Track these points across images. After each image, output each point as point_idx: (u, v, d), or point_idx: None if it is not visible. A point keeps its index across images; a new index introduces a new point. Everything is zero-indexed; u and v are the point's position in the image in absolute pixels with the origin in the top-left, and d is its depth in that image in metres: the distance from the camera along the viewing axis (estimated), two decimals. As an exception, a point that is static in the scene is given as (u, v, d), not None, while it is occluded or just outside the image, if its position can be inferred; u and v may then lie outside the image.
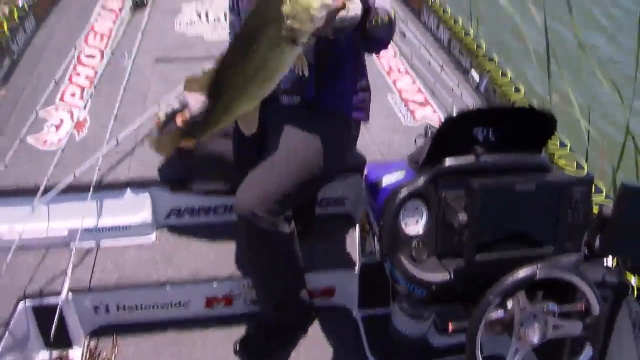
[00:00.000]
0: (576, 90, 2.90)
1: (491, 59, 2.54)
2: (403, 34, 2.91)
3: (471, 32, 2.74)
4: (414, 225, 1.47)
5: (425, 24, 3.07)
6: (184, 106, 1.77)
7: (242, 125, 1.35)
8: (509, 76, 2.41)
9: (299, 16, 1.08)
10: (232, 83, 1.23)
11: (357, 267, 1.96)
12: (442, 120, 1.54)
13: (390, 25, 1.47)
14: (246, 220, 1.55)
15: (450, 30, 2.81)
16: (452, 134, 1.46)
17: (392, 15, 1.48)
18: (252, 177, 1.61)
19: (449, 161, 1.45)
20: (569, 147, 2.03)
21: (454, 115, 1.65)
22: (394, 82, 2.57)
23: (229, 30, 1.91)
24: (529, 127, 1.50)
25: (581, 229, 1.44)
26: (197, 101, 1.77)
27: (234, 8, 1.80)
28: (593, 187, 1.50)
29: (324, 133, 1.67)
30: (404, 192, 1.45)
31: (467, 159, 1.45)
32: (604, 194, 1.81)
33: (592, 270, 1.50)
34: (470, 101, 2.44)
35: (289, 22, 1.09)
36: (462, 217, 1.38)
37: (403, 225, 1.46)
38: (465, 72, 2.67)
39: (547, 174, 1.44)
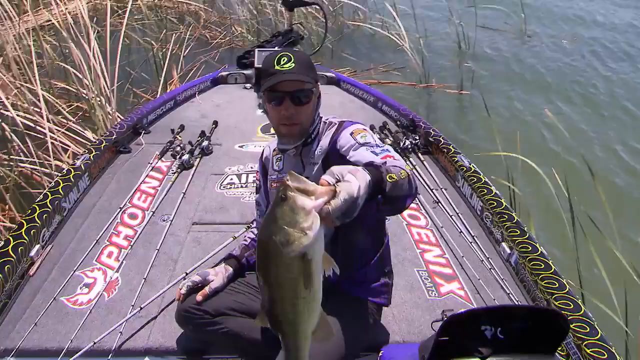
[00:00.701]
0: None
1: (522, 231, 2.50)
2: (436, 202, 2.94)
3: (502, 201, 2.73)
4: None
5: (459, 191, 3.10)
6: (205, 281, 1.86)
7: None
8: (540, 250, 2.36)
9: (292, 237, 1.08)
10: (284, 317, 1.20)
11: None
12: (446, 318, 1.49)
13: (408, 179, 1.43)
14: None
15: (482, 199, 2.81)
16: (458, 333, 1.43)
17: (407, 170, 1.46)
18: None
19: None
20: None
21: (459, 313, 1.60)
22: (422, 254, 2.56)
23: (255, 209, 2.07)
24: (540, 328, 1.44)
25: None
26: (218, 277, 1.86)
27: (260, 188, 2.00)
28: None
29: (345, 318, 1.71)
30: None
31: None
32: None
33: None
34: (499, 276, 2.38)
35: (286, 248, 1.09)
36: None
37: None
38: (498, 243, 2.63)
39: None
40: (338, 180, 1.18)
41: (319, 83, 1.79)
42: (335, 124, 1.79)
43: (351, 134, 1.70)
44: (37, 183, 3.88)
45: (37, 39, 5.18)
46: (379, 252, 1.85)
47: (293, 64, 1.66)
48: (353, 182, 1.19)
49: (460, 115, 5.76)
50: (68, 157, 4.14)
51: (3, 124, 4.10)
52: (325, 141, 1.77)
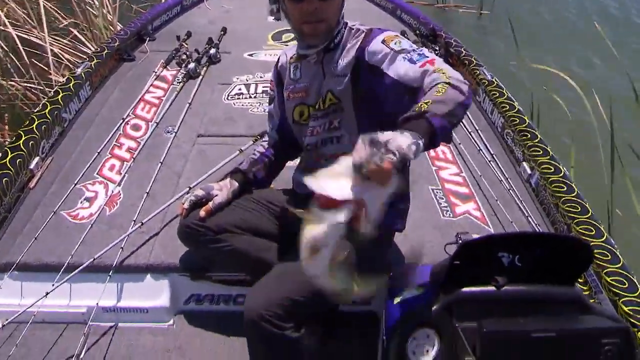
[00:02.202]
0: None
1: (545, 151, 2.35)
2: None
3: (526, 118, 2.57)
4: (424, 355, 1.35)
5: (480, 106, 2.93)
6: (209, 195, 1.76)
7: None
8: (563, 172, 2.22)
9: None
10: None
11: None
12: (462, 243, 1.40)
13: (454, 88, 1.28)
14: (251, 322, 1.50)
15: (504, 115, 2.65)
16: (473, 258, 1.34)
17: (448, 75, 1.31)
18: (263, 282, 1.58)
19: (465, 290, 1.32)
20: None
21: (475, 239, 1.50)
22: (437, 171, 2.45)
23: (268, 121, 1.93)
24: (561, 257, 1.34)
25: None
26: (222, 192, 1.76)
27: (274, 99, 1.85)
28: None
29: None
30: (413, 322, 1.34)
31: (487, 289, 1.32)
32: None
33: None
34: (517, 197, 2.26)
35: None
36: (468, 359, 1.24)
37: (411, 354, 1.35)
38: (518, 162, 2.50)
39: (572, 319, 1.27)
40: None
41: None
42: (363, 31, 1.61)
43: (383, 41, 1.52)
44: (36, 103, 3.76)
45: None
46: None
47: None
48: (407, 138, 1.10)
49: (481, 35, 5.46)
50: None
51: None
52: (351, 51, 1.59)
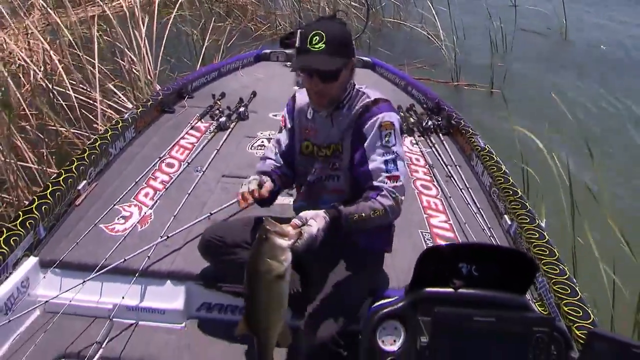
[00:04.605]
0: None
1: (523, 205, 2.67)
2: (449, 177, 3.13)
3: (510, 178, 2.90)
4: (391, 344, 1.61)
5: (473, 169, 3.28)
6: (261, 183, 1.93)
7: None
8: (537, 222, 2.53)
9: (273, 266, 1.50)
10: (261, 317, 1.59)
11: None
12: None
13: (385, 214, 1.80)
14: (322, 345, 1.75)
15: (491, 175, 2.99)
16: (438, 264, 1.63)
17: (386, 207, 1.80)
18: (325, 306, 1.83)
19: (428, 290, 1.61)
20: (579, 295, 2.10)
21: (439, 246, 1.78)
22: (428, 218, 2.76)
23: (273, 146, 2.13)
24: (510, 268, 1.63)
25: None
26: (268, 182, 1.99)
27: (283, 128, 2.11)
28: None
29: (353, 267, 1.94)
30: (382, 312, 1.61)
31: (446, 290, 1.61)
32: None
33: None
34: (496, 243, 2.55)
35: (268, 275, 1.50)
36: (424, 340, 1.52)
37: (380, 342, 1.61)
38: (500, 215, 2.81)
39: (509, 311, 1.54)
40: (303, 224, 1.63)
41: (353, 59, 1.91)
42: (370, 99, 1.93)
43: (380, 126, 1.87)
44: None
45: (92, 26, 5.61)
46: None
47: (323, 45, 1.77)
48: (313, 225, 1.64)
49: (488, 113, 5.92)
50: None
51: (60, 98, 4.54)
52: (355, 110, 1.92)
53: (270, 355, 1.64)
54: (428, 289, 1.62)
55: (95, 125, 4.43)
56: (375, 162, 1.86)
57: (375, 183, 1.85)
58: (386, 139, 1.86)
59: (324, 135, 1.99)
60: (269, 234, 1.50)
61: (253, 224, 2.07)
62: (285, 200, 2.68)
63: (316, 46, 1.78)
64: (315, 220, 1.66)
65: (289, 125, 2.09)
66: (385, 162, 1.84)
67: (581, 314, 2.01)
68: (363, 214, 1.77)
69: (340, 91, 1.91)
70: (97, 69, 4.72)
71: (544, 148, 3.61)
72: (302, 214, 1.69)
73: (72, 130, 4.30)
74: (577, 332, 1.93)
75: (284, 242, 1.51)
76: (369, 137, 1.88)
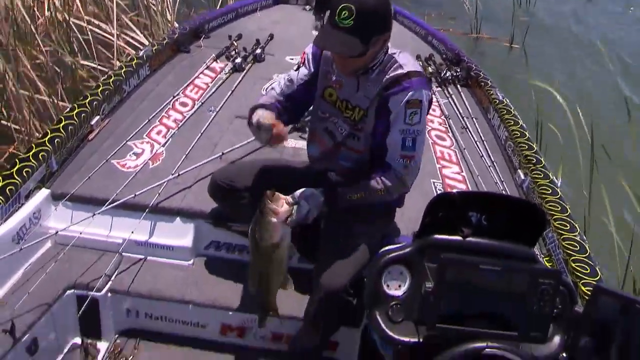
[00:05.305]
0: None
1: (538, 161, 2.63)
2: (464, 128, 3.09)
3: (526, 133, 2.85)
4: (396, 289, 1.61)
5: (489, 121, 3.23)
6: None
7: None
8: (550, 178, 2.50)
9: (265, 237, 1.67)
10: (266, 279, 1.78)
11: (362, 325, 2.07)
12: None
13: (385, 194, 1.84)
14: (332, 293, 1.81)
15: (508, 129, 2.94)
16: (448, 211, 1.60)
17: (387, 187, 1.84)
18: (337, 257, 1.86)
19: (436, 237, 1.60)
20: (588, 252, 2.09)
21: (450, 192, 1.77)
22: (441, 169, 2.74)
23: (284, 81, 2.00)
24: (521, 220, 1.61)
25: (545, 322, 1.50)
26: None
27: (300, 68, 1.97)
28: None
29: (369, 219, 1.96)
30: (388, 256, 1.61)
31: (454, 238, 1.59)
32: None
33: None
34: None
35: (264, 243, 1.68)
36: (429, 285, 1.52)
37: (385, 286, 1.61)
38: (515, 170, 2.78)
39: (516, 261, 1.54)
40: (295, 203, 1.75)
41: (387, 33, 1.77)
42: (402, 70, 1.80)
43: (407, 102, 1.77)
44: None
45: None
46: None
47: (352, 22, 1.64)
48: (304, 207, 1.77)
49: (507, 67, 5.79)
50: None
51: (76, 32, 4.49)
52: (385, 79, 1.80)
53: (273, 303, 1.85)
54: (436, 236, 1.61)
55: (112, 62, 4.39)
56: (394, 138, 1.81)
57: (387, 160, 1.84)
58: (411, 117, 1.79)
59: (349, 93, 1.89)
60: (264, 209, 1.66)
61: (261, 171, 2.07)
62: (298, 143, 2.67)
63: (344, 22, 1.64)
64: (308, 203, 1.77)
65: (312, 70, 1.95)
66: (404, 140, 1.80)
67: (588, 270, 2.00)
68: (363, 194, 1.83)
69: (364, 64, 1.80)
70: (114, 2, 4.65)
71: (567, 107, 3.50)
72: (298, 192, 1.79)
73: (86, 63, 4.28)
74: (583, 289, 1.93)
75: (274, 219, 1.66)
76: (393, 112, 1.80)
